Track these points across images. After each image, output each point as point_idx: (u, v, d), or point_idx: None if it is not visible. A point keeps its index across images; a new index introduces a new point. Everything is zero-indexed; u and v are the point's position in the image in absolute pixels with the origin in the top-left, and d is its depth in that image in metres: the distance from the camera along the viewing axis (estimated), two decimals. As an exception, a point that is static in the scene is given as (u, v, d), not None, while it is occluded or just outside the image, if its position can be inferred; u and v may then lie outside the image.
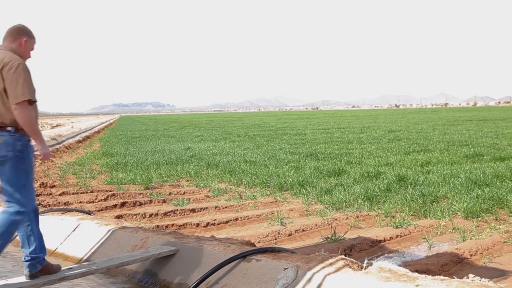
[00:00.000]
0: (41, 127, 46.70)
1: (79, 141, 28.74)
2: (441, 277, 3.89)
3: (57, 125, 52.76)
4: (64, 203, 9.18)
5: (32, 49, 4.77)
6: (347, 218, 7.65)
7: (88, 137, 34.04)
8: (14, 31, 4.63)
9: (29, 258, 4.50)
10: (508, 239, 6.32)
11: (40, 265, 4.54)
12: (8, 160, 4.41)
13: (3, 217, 4.43)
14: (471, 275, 3.86)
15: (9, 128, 4.39)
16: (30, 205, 4.51)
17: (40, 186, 10.85)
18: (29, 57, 4.73)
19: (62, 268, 4.86)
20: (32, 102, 4.44)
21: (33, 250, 4.52)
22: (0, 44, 4.62)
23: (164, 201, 9.39)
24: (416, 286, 3.68)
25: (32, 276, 4.50)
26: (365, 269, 4.23)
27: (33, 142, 4.65)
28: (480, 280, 3.74)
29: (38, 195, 9.89)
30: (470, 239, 6.38)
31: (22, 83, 4.32)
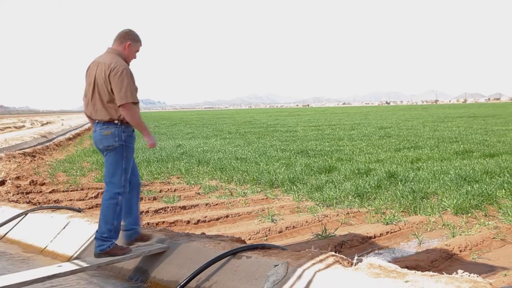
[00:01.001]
0: (31, 124, 46.48)
1: (70, 139, 28.59)
2: (431, 273, 3.90)
3: (47, 123, 52.46)
4: (54, 201, 9.14)
5: (137, 51, 5.18)
6: (337, 214, 7.67)
7: (78, 134, 33.85)
8: (121, 35, 5.10)
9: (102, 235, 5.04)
10: (497, 235, 6.36)
11: (107, 248, 5.02)
12: (115, 149, 5.01)
13: (105, 204, 5.06)
14: (460, 271, 3.88)
15: (116, 122, 4.96)
16: (126, 187, 5.10)
17: (30, 184, 10.79)
18: (134, 58, 5.19)
19: (51, 266, 4.84)
20: (135, 102, 4.96)
21: (105, 235, 5.01)
22: (110, 47, 5.13)
23: (154, 199, 9.37)
24: (406, 282, 3.70)
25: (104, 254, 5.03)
26: (355, 265, 4.24)
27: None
28: (469, 276, 3.76)
29: (28, 193, 9.84)
30: (460, 235, 6.42)
31: (126, 87, 4.83)
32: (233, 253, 4.84)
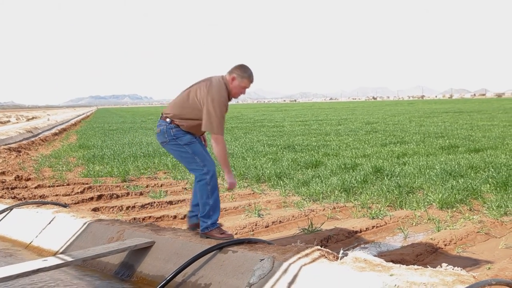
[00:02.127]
0: (16, 119, 46.11)
1: (55, 134, 28.43)
2: (415, 266, 3.94)
3: (33, 118, 52.10)
4: (40, 196, 9.09)
5: (244, 87, 5.12)
6: (324, 209, 7.69)
7: (64, 129, 33.68)
8: (234, 66, 5.14)
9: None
10: (481, 229, 6.42)
11: (207, 229, 5.20)
12: (168, 143, 5.19)
13: (196, 186, 5.19)
14: (444, 264, 3.92)
15: (167, 120, 5.14)
16: (208, 165, 5.14)
17: (15, 179, 10.72)
18: (241, 93, 5.18)
19: (36, 260, 4.82)
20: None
21: (203, 213, 5.21)
22: (222, 75, 5.17)
23: (141, 194, 9.35)
24: (391, 275, 3.73)
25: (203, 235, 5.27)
26: (340, 259, 4.26)
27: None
28: (453, 269, 3.80)
29: (13, 188, 9.78)
30: (445, 229, 6.46)
31: (217, 119, 4.94)
32: (219, 247, 4.85)
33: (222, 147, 5.04)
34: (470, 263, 5.26)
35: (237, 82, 5.05)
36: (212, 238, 5.19)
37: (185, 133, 5.17)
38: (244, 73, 5.04)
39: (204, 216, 5.20)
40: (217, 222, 5.29)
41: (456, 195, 7.85)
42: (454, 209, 7.42)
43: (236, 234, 6.54)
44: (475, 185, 8.49)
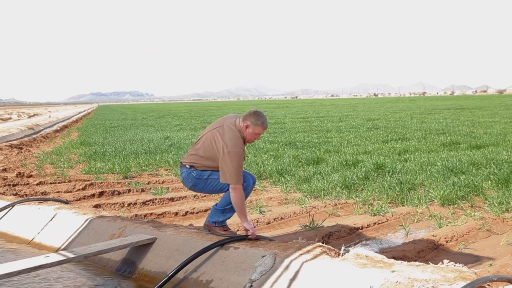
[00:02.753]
0: (18, 116, 46.12)
1: (57, 131, 28.44)
2: (417, 263, 3.94)
3: (34, 115, 52.06)
4: (42, 193, 9.10)
5: (257, 134, 5.10)
6: (325, 206, 7.69)
7: (65, 126, 33.69)
8: (246, 114, 5.12)
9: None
10: (483, 225, 6.42)
11: (214, 224, 5.27)
12: (196, 185, 5.23)
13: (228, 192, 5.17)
14: (445, 261, 3.92)
15: (188, 166, 5.19)
16: (240, 180, 5.01)
17: (17, 176, 10.72)
18: (255, 139, 5.16)
19: (38, 256, 4.83)
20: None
21: (220, 209, 5.26)
22: (239, 117, 5.16)
23: (142, 190, 9.35)
24: (392, 271, 3.73)
25: (206, 226, 5.38)
26: (342, 256, 4.27)
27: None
28: (454, 265, 3.80)
29: (15, 185, 9.79)
30: (446, 226, 6.46)
31: (234, 170, 4.89)
32: (221, 244, 4.85)
33: (240, 196, 4.99)
34: (471, 260, 5.27)
35: (251, 130, 5.04)
36: (215, 234, 5.22)
37: (203, 170, 5.18)
38: (257, 120, 5.03)
39: (220, 210, 5.25)
40: (226, 221, 5.32)
41: (458, 192, 7.85)
42: (456, 206, 7.41)
43: (238, 230, 6.53)
44: (476, 182, 8.48)
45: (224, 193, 5.22)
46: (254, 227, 5.17)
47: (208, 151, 5.07)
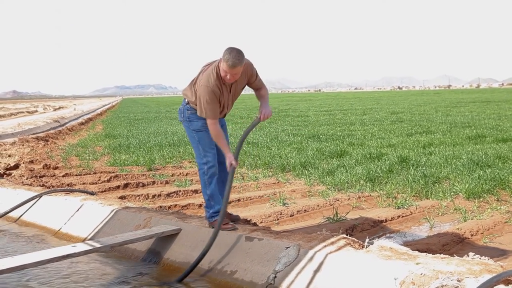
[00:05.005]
0: (43, 109, 46.75)
1: (82, 123, 28.77)
2: (442, 255, 3.93)
3: (59, 108, 52.73)
4: (68, 184, 9.23)
5: (224, 72, 4.91)
6: (349, 199, 7.68)
7: (90, 119, 34.04)
8: (225, 50, 4.91)
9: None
10: (509, 219, 6.35)
11: (211, 219, 5.31)
12: (183, 123, 5.45)
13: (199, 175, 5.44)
14: (471, 254, 3.89)
15: (186, 100, 5.33)
16: (209, 158, 5.29)
17: (43, 168, 10.89)
18: (227, 79, 4.95)
19: (66, 246, 4.92)
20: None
21: (205, 203, 5.39)
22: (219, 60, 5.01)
23: (167, 182, 9.43)
24: (417, 264, 3.72)
25: (209, 225, 5.37)
26: (366, 248, 4.27)
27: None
28: (480, 258, 3.78)
29: (41, 177, 9.95)
30: (471, 219, 6.41)
31: (203, 105, 4.98)
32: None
33: (214, 129, 5.06)
34: (497, 253, 5.22)
35: (221, 66, 4.90)
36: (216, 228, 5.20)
37: (199, 118, 5.23)
38: (224, 55, 4.83)
39: (206, 205, 5.36)
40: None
41: (483, 185, 7.76)
42: (481, 199, 7.34)
43: (261, 222, 6.57)
44: (502, 175, 8.38)
45: (202, 192, 5.39)
46: (234, 163, 5.09)
47: (197, 87, 5.14)
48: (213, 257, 4.80)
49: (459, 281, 3.38)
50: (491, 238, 5.75)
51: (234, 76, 4.91)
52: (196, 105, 5.15)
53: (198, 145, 5.31)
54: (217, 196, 5.31)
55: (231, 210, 7.32)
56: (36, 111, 44.94)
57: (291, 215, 6.95)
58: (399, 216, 6.74)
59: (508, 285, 3.27)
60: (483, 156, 10.39)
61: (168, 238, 5.43)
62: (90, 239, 6.01)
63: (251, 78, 5.24)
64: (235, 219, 5.66)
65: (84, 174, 10.22)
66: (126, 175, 9.92)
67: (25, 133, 18.51)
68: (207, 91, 4.94)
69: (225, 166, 5.31)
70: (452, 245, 5.50)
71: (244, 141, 5.33)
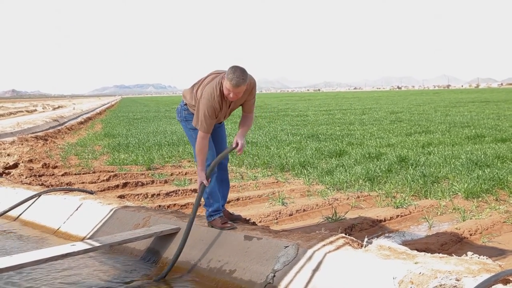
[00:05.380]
0: (43, 108, 46.72)
1: (81, 123, 28.77)
2: (440, 254, 3.94)
3: (58, 107, 52.71)
4: (67, 184, 9.23)
5: (227, 90, 4.90)
6: (348, 198, 7.69)
7: (89, 118, 34.04)
8: (228, 68, 4.91)
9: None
10: (507, 219, 6.36)
11: (211, 217, 5.34)
12: (181, 122, 5.56)
13: None
14: (469, 253, 3.90)
15: (184, 101, 5.43)
16: (210, 154, 5.26)
17: (42, 167, 10.89)
18: (229, 96, 4.93)
19: (65, 245, 4.92)
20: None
21: (204, 202, 5.39)
22: (222, 72, 5.07)
23: (166, 182, 9.44)
24: (415, 263, 3.73)
25: (208, 224, 5.40)
26: (365, 247, 4.27)
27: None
28: (478, 258, 3.78)
29: (40, 176, 9.94)
30: (470, 219, 6.41)
31: (200, 117, 4.98)
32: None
33: (201, 142, 5.06)
34: (496, 253, 5.23)
35: (224, 83, 4.90)
36: (215, 227, 5.27)
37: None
38: (229, 74, 4.83)
39: (205, 204, 5.36)
40: (221, 210, 5.38)
41: (482, 185, 7.77)
42: (480, 199, 7.35)
43: (260, 222, 6.57)
44: (501, 175, 8.39)
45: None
46: (205, 181, 5.11)
47: (198, 94, 5.15)
48: (212, 256, 4.81)
49: (458, 280, 3.39)
50: (490, 238, 5.76)
51: (237, 95, 4.92)
52: (193, 108, 5.19)
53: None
54: (216, 194, 5.32)
55: (231, 209, 7.33)
56: (35, 110, 44.92)
57: (290, 215, 6.96)
58: (398, 215, 6.75)
59: (506, 285, 3.28)
60: (482, 156, 10.40)
61: (167, 237, 5.43)
62: (89, 238, 6.01)
63: (249, 96, 5.24)
64: (236, 219, 5.67)
65: (83, 173, 10.22)
66: (125, 174, 9.93)
67: (24, 132, 18.50)
68: (208, 105, 4.95)
69: (224, 165, 5.43)
70: (451, 244, 5.50)
71: (217, 163, 5.25)
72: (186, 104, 5.37)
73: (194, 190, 8.55)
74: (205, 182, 5.05)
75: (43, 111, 42.14)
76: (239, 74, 4.80)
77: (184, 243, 4.93)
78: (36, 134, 18.57)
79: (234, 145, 5.08)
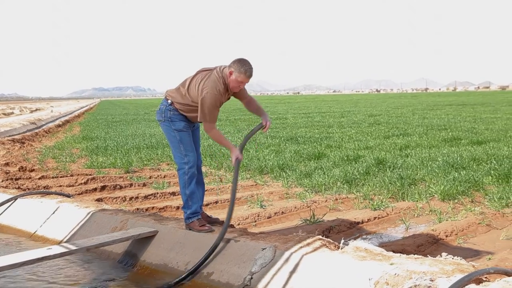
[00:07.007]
0: (20, 111, 46.16)
1: (59, 125, 28.49)
2: (416, 255, 3.99)
3: (36, 109, 52.11)
4: (44, 187, 9.14)
5: (240, 83, 5.09)
6: (326, 200, 7.72)
7: (68, 121, 33.72)
8: (233, 60, 5.09)
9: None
10: (482, 220, 6.44)
11: (189, 220, 5.33)
12: (163, 123, 5.43)
13: (178, 175, 5.47)
14: (444, 254, 3.95)
15: (169, 101, 5.36)
16: (190, 157, 5.36)
17: (19, 170, 10.77)
18: (237, 88, 5.18)
19: (41, 248, 4.87)
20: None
21: (183, 204, 5.39)
22: (225, 66, 5.19)
23: (144, 185, 9.39)
24: (391, 264, 3.77)
25: (186, 226, 5.39)
26: (341, 249, 4.31)
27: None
28: (452, 259, 3.84)
29: (17, 179, 9.83)
30: (446, 220, 6.49)
31: (206, 110, 5.06)
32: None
33: (216, 133, 5.22)
34: (471, 254, 5.30)
35: (234, 77, 5.07)
36: (193, 230, 5.29)
37: (181, 120, 5.33)
38: (241, 68, 5.03)
39: (184, 206, 5.38)
40: (199, 213, 5.41)
41: (458, 187, 7.87)
42: (456, 201, 7.43)
43: (238, 224, 6.58)
44: (477, 177, 8.50)
45: (181, 192, 5.43)
46: (240, 156, 5.24)
47: (192, 91, 5.19)
48: (189, 259, 4.80)
49: (432, 280, 3.44)
50: (465, 239, 5.83)
51: (243, 85, 5.19)
52: (186, 107, 5.25)
53: (179, 144, 5.35)
54: (195, 196, 5.35)
55: (209, 212, 7.32)
56: (12, 113, 44.34)
57: (269, 217, 6.97)
58: (376, 217, 6.80)
59: (479, 284, 3.33)
60: (458, 158, 10.53)
61: (144, 240, 5.41)
62: (66, 242, 5.96)
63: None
64: (214, 222, 5.67)
65: (61, 177, 10.13)
66: (103, 177, 9.85)
67: (0, 135, 18.28)
68: (215, 98, 5.06)
69: (198, 166, 5.49)
70: (427, 245, 5.56)
71: (248, 139, 5.57)
72: (172, 104, 5.34)
73: (173, 193, 8.53)
74: (240, 156, 5.18)
75: (20, 114, 41.63)
76: (249, 65, 5.06)
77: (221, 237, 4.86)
78: (13, 137, 18.35)
79: (264, 123, 5.42)
